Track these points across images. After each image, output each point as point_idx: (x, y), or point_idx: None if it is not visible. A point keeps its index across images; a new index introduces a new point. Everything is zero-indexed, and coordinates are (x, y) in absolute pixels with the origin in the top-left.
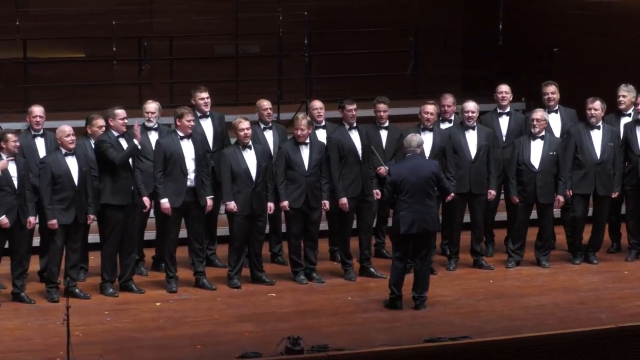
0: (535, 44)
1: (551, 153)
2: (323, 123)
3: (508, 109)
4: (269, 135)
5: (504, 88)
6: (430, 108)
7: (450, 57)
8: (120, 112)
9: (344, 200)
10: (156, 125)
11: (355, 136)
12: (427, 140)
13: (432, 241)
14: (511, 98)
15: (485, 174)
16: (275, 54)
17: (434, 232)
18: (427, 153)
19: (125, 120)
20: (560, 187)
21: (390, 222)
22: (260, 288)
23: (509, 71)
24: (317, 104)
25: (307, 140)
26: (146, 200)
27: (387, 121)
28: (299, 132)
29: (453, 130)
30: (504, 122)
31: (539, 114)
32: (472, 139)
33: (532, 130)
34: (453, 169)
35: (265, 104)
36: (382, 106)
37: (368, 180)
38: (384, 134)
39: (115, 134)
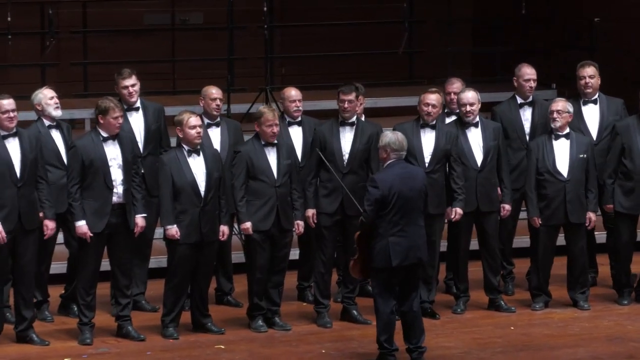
0: (570, 13)
1: (581, 156)
2: (299, 118)
3: (531, 98)
4: (215, 134)
5: (528, 71)
6: (433, 98)
7: (456, 31)
8: (5, 104)
9: (311, 212)
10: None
11: (348, 135)
12: (428, 140)
13: (420, 273)
14: (535, 84)
15: (497, 185)
16: (224, 25)
17: (424, 262)
18: (428, 158)
19: (12, 114)
20: (590, 202)
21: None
22: (205, 338)
23: (535, 49)
24: (294, 93)
25: (275, 141)
26: (50, 223)
27: (363, 116)
28: (274, 130)
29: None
30: (526, 115)
31: (559, 104)
32: (475, 139)
33: (552, 126)
34: (461, 180)
35: (215, 92)
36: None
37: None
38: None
39: (1, 133)
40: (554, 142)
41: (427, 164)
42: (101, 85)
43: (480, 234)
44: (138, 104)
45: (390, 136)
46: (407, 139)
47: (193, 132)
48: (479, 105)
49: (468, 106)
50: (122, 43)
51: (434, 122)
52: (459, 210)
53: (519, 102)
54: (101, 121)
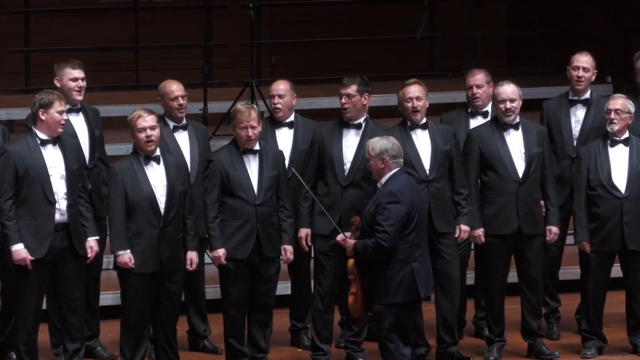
0: None
1: None
2: (290, 118)
3: (587, 94)
4: (183, 138)
5: (580, 57)
6: (415, 90)
7: (487, 12)
8: None
9: (304, 231)
10: None
11: (352, 140)
12: (423, 143)
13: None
14: (593, 77)
15: (540, 201)
16: (198, 3)
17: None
18: (428, 164)
19: None
20: None
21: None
22: None
23: (585, 34)
24: (281, 87)
25: (257, 147)
26: None
27: (367, 116)
28: (249, 133)
29: (482, 132)
30: (577, 116)
31: (618, 101)
32: (516, 144)
33: (609, 129)
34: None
35: (175, 88)
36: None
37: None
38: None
39: None
40: (610, 150)
41: (428, 172)
42: (48, 78)
43: (520, 263)
44: (79, 105)
45: (383, 142)
46: None
47: (141, 135)
48: (520, 102)
49: (508, 102)
50: (74, 26)
51: (424, 121)
52: (464, 227)
53: (570, 98)
54: (42, 117)
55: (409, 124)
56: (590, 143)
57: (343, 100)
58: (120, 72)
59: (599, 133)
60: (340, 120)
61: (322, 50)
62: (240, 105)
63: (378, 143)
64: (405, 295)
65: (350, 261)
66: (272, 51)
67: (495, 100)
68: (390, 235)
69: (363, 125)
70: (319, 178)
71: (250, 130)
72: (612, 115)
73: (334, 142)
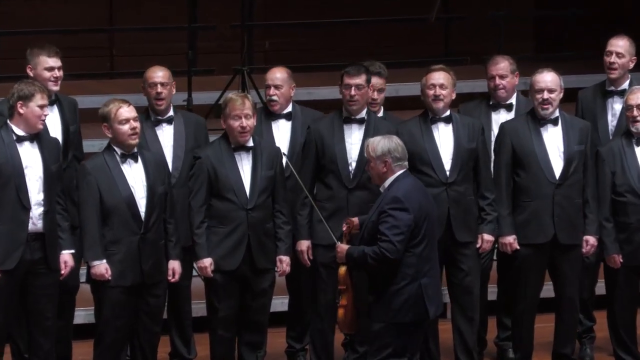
0: None
1: None
2: (288, 109)
3: (625, 84)
4: (166, 134)
5: (618, 43)
6: (440, 77)
7: None
8: None
9: (304, 244)
10: None
11: (356, 136)
12: (445, 139)
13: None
14: (630, 64)
15: (581, 207)
16: None
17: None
18: (448, 164)
19: None
20: None
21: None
22: None
23: (624, 15)
24: (277, 75)
25: (250, 144)
26: None
27: (382, 108)
28: (243, 124)
29: (517, 126)
30: (615, 108)
31: (639, 95)
32: (553, 141)
33: (633, 129)
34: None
35: (155, 74)
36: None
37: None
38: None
39: None
40: (636, 149)
41: (448, 173)
42: (13, 66)
43: (554, 278)
44: (54, 96)
45: (385, 142)
46: (415, 140)
47: (125, 128)
48: (561, 94)
49: (546, 92)
50: (42, 7)
51: (448, 113)
52: (487, 237)
53: (607, 89)
54: (20, 110)
55: (430, 115)
56: (611, 142)
57: (352, 92)
58: (92, 57)
59: None
60: (339, 115)
61: (321, 33)
62: (232, 94)
63: (380, 143)
64: (411, 314)
65: (342, 269)
66: (265, 35)
67: (532, 89)
68: (396, 247)
69: (366, 119)
70: (317, 181)
71: (244, 120)
72: (635, 112)
73: (336, 140)
